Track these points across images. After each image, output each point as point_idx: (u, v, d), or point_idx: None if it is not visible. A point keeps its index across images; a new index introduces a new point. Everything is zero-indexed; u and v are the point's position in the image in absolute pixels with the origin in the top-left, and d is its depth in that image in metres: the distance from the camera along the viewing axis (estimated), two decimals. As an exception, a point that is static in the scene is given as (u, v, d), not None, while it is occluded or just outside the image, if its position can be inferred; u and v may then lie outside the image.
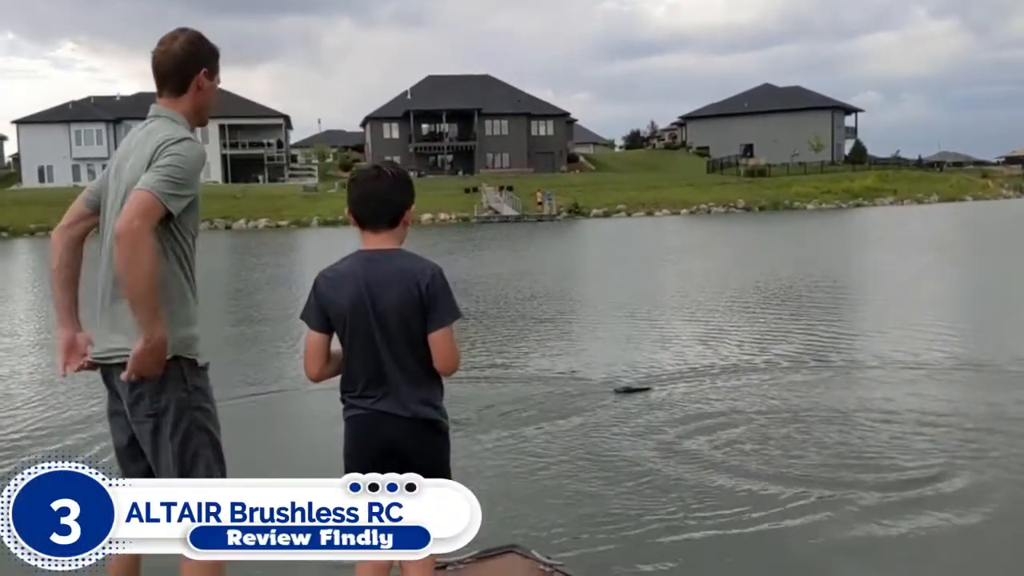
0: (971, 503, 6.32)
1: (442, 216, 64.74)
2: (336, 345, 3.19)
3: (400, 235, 3.15)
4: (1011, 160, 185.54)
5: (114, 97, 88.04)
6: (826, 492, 6.56)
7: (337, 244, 43.69)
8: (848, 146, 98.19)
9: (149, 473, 3.25)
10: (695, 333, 14.44)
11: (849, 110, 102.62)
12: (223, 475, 3.27)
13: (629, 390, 10.00)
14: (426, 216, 64.51)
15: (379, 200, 3.09)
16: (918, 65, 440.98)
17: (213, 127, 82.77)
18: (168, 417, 3.17)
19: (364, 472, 3.10)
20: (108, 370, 3.27)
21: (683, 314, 16.99)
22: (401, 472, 3.06)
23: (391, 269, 3.07)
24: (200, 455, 3.22)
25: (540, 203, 65.70)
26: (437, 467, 3.12)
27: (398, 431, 3.05)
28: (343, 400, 3.18)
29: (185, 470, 3.17)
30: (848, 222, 51.46)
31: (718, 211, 68.14)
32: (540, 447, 8.03)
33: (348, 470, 3.15)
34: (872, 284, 21.53)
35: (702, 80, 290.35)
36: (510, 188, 69.01)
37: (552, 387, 10.48)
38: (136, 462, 3.29)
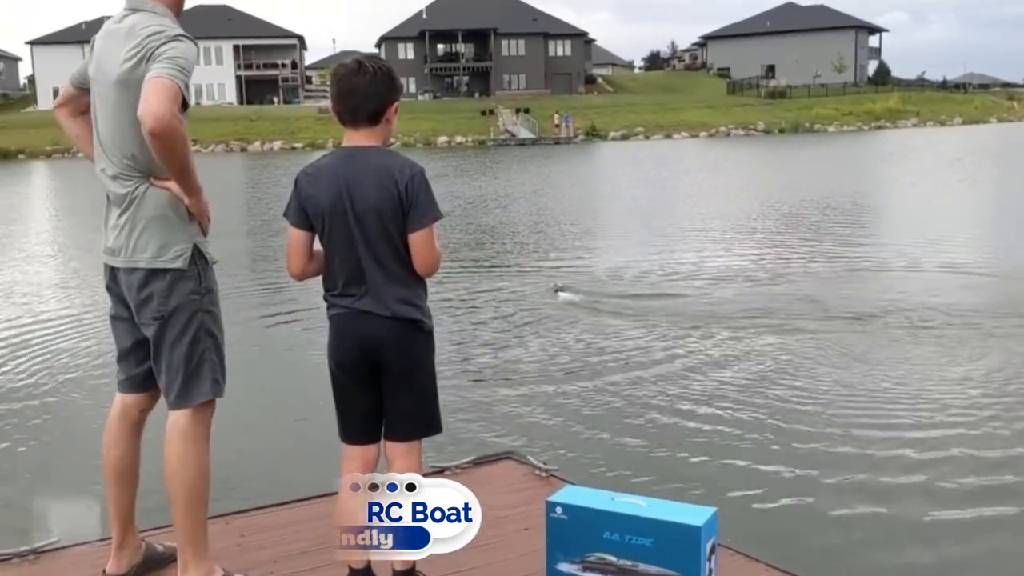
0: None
1: (458, 139, 64.22)
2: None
3: (383, 133, 3.04)
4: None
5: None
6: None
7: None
8: (872, 67, 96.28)
9: (151, 376, 3.22)
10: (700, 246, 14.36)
11: (873, 30, 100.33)
12: (224, 382, 3.23)
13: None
14: (442, 139, 64.05)
15: (360, 95, 2.97)
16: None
17: (227, 48, 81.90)
18: (177, 319, 3.11)
19: (345, 370, 3.08)
20: (112, 273, 3.21)
21: (693, 230, 16.86)
22: (381, 371, 3.04)
23: (369, 167, 2.97)
24: (206, 359, 3.17)
25: (557, 125, 64.93)
26: (418, 367, 3.08)
27: (378, 330, 2.99)
28: (325, 299, 3.12)
29: (189, 374, 3.13)
30: (866, 144, 50.68)
31: (737, 134, 67.27)
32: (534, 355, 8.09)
33: (330, 368, 3.12)
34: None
35: (728, 1, 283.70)
36: (527, 110, 68.19)
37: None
38: (141, 365, 3.25)
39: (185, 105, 2.93)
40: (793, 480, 5.36)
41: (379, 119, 3.00)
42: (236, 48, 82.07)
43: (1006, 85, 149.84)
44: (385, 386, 3.07)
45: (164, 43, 2.97)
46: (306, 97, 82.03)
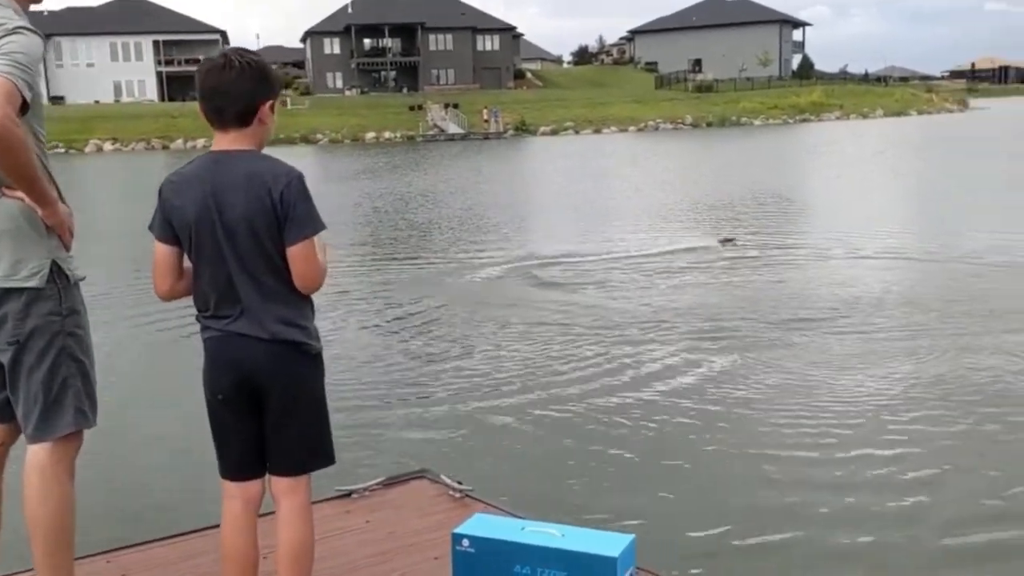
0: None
1: (387, 135, 63.56)
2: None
3: (256, 135, 2.71)
4: (955, 74, 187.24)
5: (42, 13, 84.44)
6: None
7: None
8: (796, 61, 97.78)
9: (8, 406, 2.87)
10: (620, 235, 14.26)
11: (797, 24, 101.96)
12: (93, 412, 2.91)
13: None
14: (370, 135, 63.33)
15: (226, 94, 2.64)
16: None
17: (147, 43, 79.96)
18: (35, 343, 2.78)
19: (221, 399, 2.77)
20: None
21: (623, 225, 16.78)
22: (262, 400, 2.74)
23: (239, 173, 2.64)
24: (69, 387, 2.85)
25: (487, 121, 64.66)
26: (302, 394, 2.77)
27: (256, 354, 2.68)
28: (198, 320, 2.80)
29: (48, 404, 2.79)
30: (792, 137, 51.42)
31: (666, 128, 67.72)
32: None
33: (206, 397, 2.80)
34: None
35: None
36: (455, 105, 67.75)
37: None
38: None
39: (25, 106, 2.59)
40: (717, 501, 5.16)
41: (250, 120, 2.67)
42: (156, 44, 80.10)
43: (925, 78, 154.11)
44: (267, 416, 2.76)
45: (5, 35, 2.63)
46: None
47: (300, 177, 2.68)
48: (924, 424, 6.20)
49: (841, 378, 7.24)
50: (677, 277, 11.95)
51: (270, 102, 2.72)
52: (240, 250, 2.64)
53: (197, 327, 2.79)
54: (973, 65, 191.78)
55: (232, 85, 2.63)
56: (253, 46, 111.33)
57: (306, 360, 2.76)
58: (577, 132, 66.05)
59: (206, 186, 2.65)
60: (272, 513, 2.89)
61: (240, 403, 2.74)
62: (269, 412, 2.75)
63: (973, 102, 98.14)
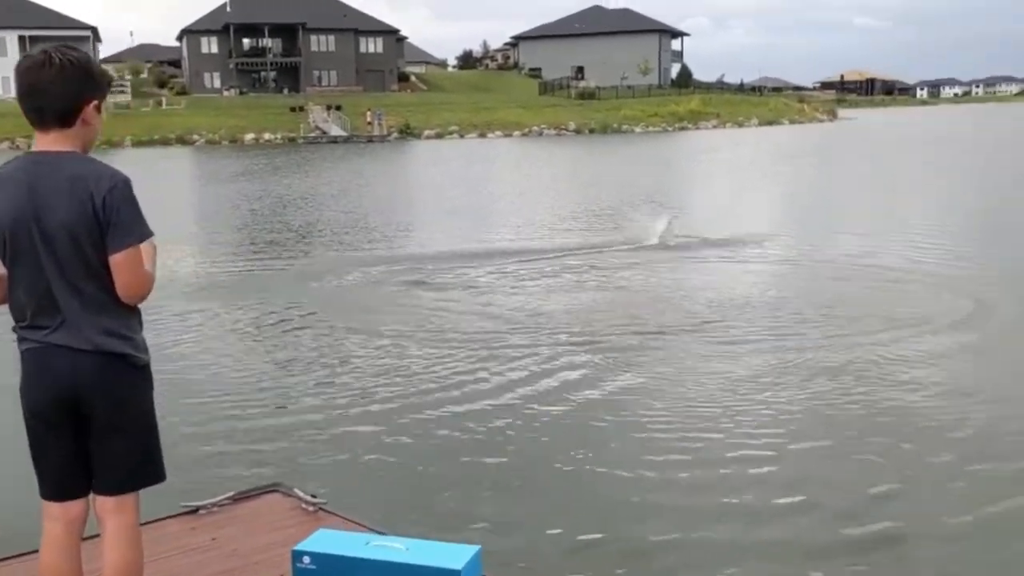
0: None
1: (266, 136, 62.25)
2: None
3: (80, 136, 2.54)
4: (826, 85, 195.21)
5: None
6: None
7: (150, 167, 41.33)
8: (675, 70, 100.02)
9: None
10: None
11: (676, 34, 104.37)
12: None
13: None
14: (249, 136, 61.90)
15: (45, 92, 2.48)
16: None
17: (11, 38, 76.26)
18: None
19: (39, 415, 2.59)
20: None
21: (504, 228, 16.80)
22: (85, 415, 2.58)
23: (60, 175, 2.48)
24: None
25: (370, 123, 64.00)
26: (128, 408, 2.62)
27: (77, 367, 2.52)
28: (14, 331, 2.61)
29: None
30: (671, 144, 52.58)
31: (550, 133, 68.34)
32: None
33: (23, 412, 2.62)
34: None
35: (541, 1, 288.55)
36: (338, 107, 66.83)
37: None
38: None
39: None
40: (576, 510, 5.11)
41: (72, 120, 2.51)
42: (21, 39, 76.29)
43: (797, 89, 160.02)
44: (91, 432, 2.59)
45: None
46: (102, 92, 77.36)
47: (126, 181, 2.53)
48: (789, 427, 6.31)
49: (710, 383, 7.32)
50: (555, 282, 12.00)
51: (95, 102, 2.56)
52: (60, 257, 2.48)
53: (14, 338, 2.61)
54: (842, 77, 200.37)
55: (52, 84, 2.47)
56: (126, 43, 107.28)
57: (132, 372, 2.61)
58: (462, 136, 66.03)
59: (23, 188, 2.48)
60: (97, 535, 2.74)
61: (60, 419, 2.57)
62: (93, 427, 2.58)
63: (842, 112, 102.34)
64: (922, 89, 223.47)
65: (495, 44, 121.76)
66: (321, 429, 6.23)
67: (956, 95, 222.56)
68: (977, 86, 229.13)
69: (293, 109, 67.07)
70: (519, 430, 6.23)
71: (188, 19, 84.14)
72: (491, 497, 5.22)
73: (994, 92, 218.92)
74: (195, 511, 4.03)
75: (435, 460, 5.69)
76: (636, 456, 5.79)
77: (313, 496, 4.09)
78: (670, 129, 71.06)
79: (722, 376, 7.44)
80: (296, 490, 4.17)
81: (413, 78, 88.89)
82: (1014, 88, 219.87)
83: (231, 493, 4.20)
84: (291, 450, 5.80)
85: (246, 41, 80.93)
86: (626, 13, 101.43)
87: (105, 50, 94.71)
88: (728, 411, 6.61)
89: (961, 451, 5.83)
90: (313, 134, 62.62)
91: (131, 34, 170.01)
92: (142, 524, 2.77)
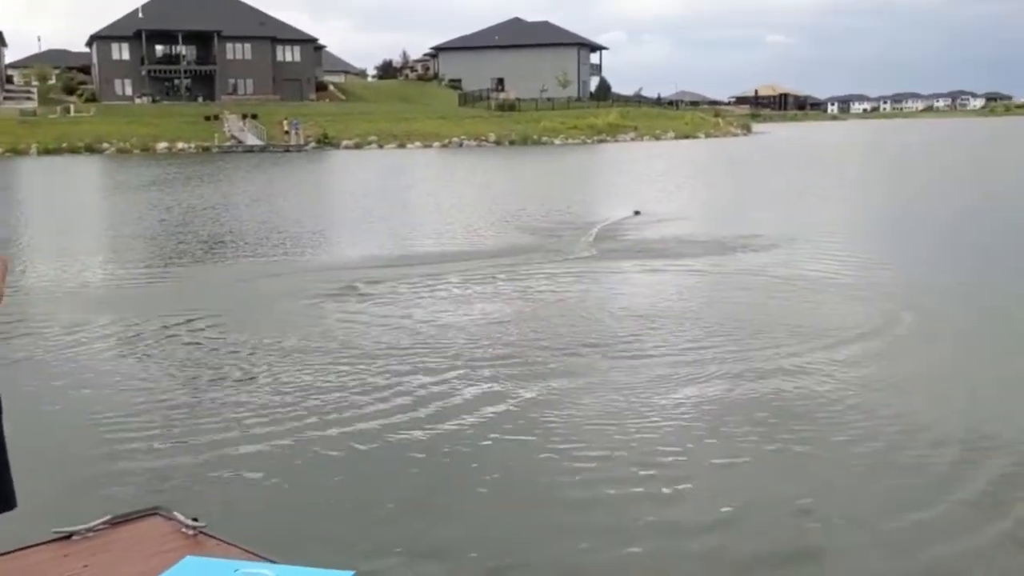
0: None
1: (180, 145, 60.94)
2: None
3: None
4: (741, 100, 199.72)
5: None
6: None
7: (57, 176, 40.05)
8: (594, 83, 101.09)
9: None
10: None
11: (594, 47, 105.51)
12: None
13: None
14: (162, 145, 60.52)
15: None
16: (664, 7, 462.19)
17: (-91, 41, 73.41)
18: None
19: None
20: None
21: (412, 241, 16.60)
22: None
23: None
24: None
25: (287, 132, 63.16)
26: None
27: None
28: None
29: None
30: (591, 156, 52.99)
31: (470, 144, 68.33)
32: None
33: None
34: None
35: (461, 12, 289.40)
36: (254, 116, 65.82)
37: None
38: None
39: None
40: (471, 533, 4.93)
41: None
42: (-80, 41, 73.67)
43: (713, 103, 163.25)
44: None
45: None
46: (6, 98, 74.95)
47: None
48: (704, 440, 6.24)
49: (623, 399, 7.19)
50: (468, 293, 11.83)
51: None
52: None
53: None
54: (756, 92, 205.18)
55: None
56: (34, 49, 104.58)
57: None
58: (381, 146, 65.58)
59: None
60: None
61: None
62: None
63: (756, 127, 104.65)
64: (833, 104, 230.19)
65: (415, 55, 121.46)
66: (213, 449, 5.92)
67: (865, 111, 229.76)
68: (885, 102, 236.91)
69: (208, 118, 65.84)
70: (424, 450, 6.01)
71: (98, 25, 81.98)
72: (392, 521, 5.01)
73: (900, 108, 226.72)
74: (68, 537, 3.75)
75: (334, 482, 5.44)
76: (547, 475, 5.64)
77: (194, 519, 3.84)
78: (589, 141, 71.67)
79: (634, 391, 7.33)
80: (176, 514, 3.91)
81: (332, 87, 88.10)
82: (919, 104, 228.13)
83: (108, 517, 3.92)
84: (179, 471, 5.50)
85: (159, 48, 79.23)
86: (545, 26, 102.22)
87: (11, 55, 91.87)
88: (642, 426, 6.49)
89: (874, 461, 5.84)
90: (228, 143, 61.51)
91: (39, 39, 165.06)
92: (8, 553, 2.53)
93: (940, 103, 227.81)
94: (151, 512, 4.04)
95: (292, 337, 9.18)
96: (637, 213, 20.71)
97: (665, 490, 5.41)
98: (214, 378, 7.77)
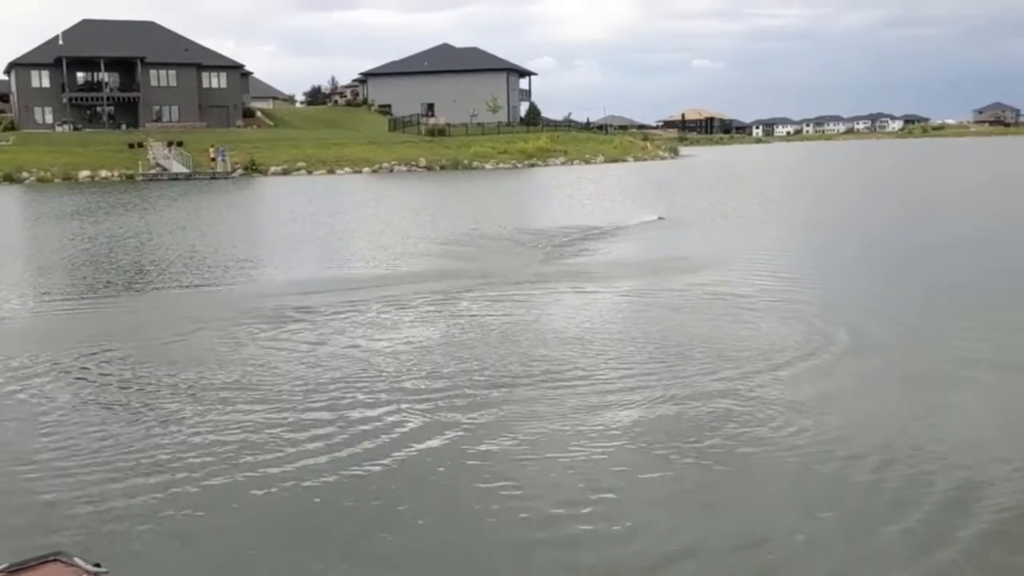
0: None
1: (103, 173, 59.64)
2: None
3: None
4: (668, 124, 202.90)
5: None
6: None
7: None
8: (523, 108, 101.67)
9: None
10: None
11: (524, 72, 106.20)
12: None
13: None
14: (84, 173, 59.14)
15: None
16: (592, 32, 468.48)
17: None
18: None
19: None
20: None
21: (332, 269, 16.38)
22: None
23: None
24: None
25: (213, 159, 62.21)
26: None
27: None
28: None
29: None
30: (521, 180, 53.17)
31: (400, 170, 68.08)
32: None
33: None
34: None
35: (390, 38, 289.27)
36: (180, 143, 64.70)
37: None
38: None
39: None
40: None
41: None
42: None
43: (642, 127, 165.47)
44: None
45: None
46: (-82, 126, 72.66)
47: None
48: (653, 473, 6.18)
49: (548, 428, 7.10)
50: (393, 319, 11.69)
51: None
52: None
53: None
54: (683, 116, 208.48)
55: None
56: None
57: None
58: (310, 172, 64.97)
59: None
60: None
61: None
62: None
63: (683, 150, 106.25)
64: (757, 127, 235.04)
65: (344, 80, 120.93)
66: (119, 491, 5.64)
67: (788, 133, 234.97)
68: (807, 125, 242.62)
69: (132, 145, 64.57)
70: (350, 491, 5.79)
71: (17, 52, 80.00)
72: (308, 563, 4.84)
73: (823, 131, 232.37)
74: (-37, 588, 3.55)
75: (249, 526, 5.22)
76: (475, 510, 5.52)
77: (96, 565, 3.68)
78: (520, 166, 71.97)
79: (567, 419, 7.25)
80: (77, 559, 3.73)
81: (259, 114, 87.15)
82: (840, 127, 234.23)
83: (5, 565, 3.73)
84: (82, 514, 5.25)
85: (80, 75, 77.58)
86: (475, 52, 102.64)
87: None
88: (575, 457, 6.36)
89: (816, 486, 5.81)
90: (153, 171, 60.37)
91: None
92: None
93: (860, 125, 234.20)
94: (51, 558, 3.84)
95: (212, 370, 8.93)
96: (661, 219, 24.16)
97: (608, 525, 5.33)
98: (124, 415, 7.49)
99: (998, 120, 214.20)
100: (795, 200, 32.75)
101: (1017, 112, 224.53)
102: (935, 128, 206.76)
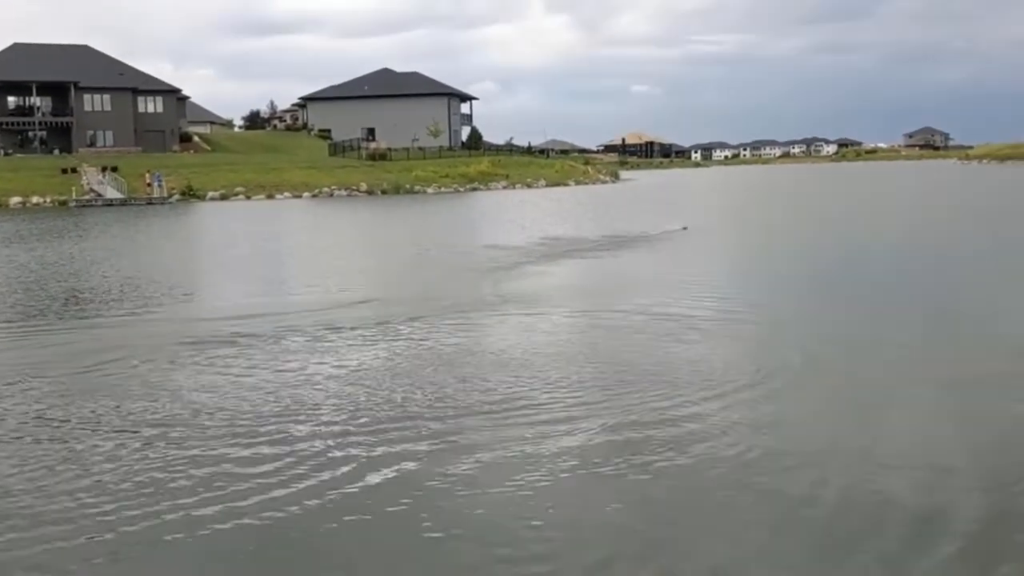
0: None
1: (35, 200, 58.30)
2: None
3: None
4: (609, 148, 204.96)
5: None
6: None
7: None
8: (465, 132, 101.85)
9: None
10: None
11: (465, 97, 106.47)
12: None
13: None
14: (15, 200, 57.75)
15: None
16: (533, 58, 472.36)
17: None
18: None
19: None
20: None
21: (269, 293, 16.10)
22: None
23: None
24: None
25: (149, 185, 61.16)
26: None
27: None
28: None
29: None
30: (462, 204, 53.11)
31: (341, 194, 67.61)
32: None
33: None
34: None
35: (330, 62, 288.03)
36: (115, 169, 63.49)
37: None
38: None
39: None
40: None
41: None
42: None
43: (583, 151, 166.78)
44: None
45: None
46: None
47: None
48: (613, 505, 6.06)
49: (508, 454, 6.98)
50: (330, 347, 11.42)
51: None
52: None
53: None
54: (623, 140, 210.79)
55: None
56: None
57: None
58: (248, 197, 64.19)
59: None
60: None
61: None
62: None
63: (624, 173, 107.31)
64: (696, 152, 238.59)
65: (283, 104, 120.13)
66: (36, 541, 5.36)
67: (727, 157, 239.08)
68: (745, 149, 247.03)
69: (65, 171, 63.22)
70: (298, 530, 5.58)
71: (-56, 75, 77.86)
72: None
73: (760, 155, 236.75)
74: None
75: (167, 567, 4.97)
76: (412, 545, 5.35)
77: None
78: (462, 190, 71.95)
79: (514, 446, 7.11)
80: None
81: (196, 138, 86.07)
82: (777, 151, 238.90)
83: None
84: (8, 566, 4.96)
85: (11, 99, 76.02)
86: (415, 76, 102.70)
87: None
88: (519, 491, 6.19)
89: (771, 517, 5.73)
90: (87, 197, 59.14)
91: None
92: None
93: (796, 149, 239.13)
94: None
95: (144, 403, 8.59)
96: (685, 228, 25.64)
97: (557, 556, 5.18)
98: (53, 456, 7.15)
99: (928, 144, 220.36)
100: (732, 222, 33.08)
101: (946, 136, 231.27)
102: (868, 152, 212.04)
